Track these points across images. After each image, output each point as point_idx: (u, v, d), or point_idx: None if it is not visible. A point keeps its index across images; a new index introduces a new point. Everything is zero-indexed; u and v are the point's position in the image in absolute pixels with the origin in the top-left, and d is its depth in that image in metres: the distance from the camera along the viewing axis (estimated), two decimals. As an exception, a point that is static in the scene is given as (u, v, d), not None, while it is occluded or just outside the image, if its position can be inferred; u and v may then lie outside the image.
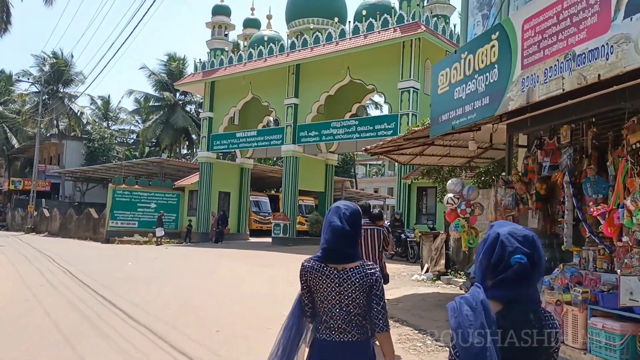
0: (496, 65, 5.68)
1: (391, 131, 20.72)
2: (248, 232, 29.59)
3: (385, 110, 40.30)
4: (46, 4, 27.03)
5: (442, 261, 12.97)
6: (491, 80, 5.76)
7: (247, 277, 13.37)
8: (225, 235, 26.23)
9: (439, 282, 12.42)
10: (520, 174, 6.96)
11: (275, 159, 43.12)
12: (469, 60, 6.25)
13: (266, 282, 12.42)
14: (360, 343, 2.44)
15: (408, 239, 17.20)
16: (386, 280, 6.07)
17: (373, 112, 39.07)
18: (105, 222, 26.47)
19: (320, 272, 2.43)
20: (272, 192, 38.74)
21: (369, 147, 10.10)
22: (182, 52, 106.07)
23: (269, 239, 28.34)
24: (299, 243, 24.02)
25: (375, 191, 60.63)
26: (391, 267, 15.14)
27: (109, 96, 53.97)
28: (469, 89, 6.23)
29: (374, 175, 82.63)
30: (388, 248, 5.98)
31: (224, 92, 27.20)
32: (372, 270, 2.44)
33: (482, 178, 13.97)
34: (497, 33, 5.70)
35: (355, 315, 2.42)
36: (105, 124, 51.08)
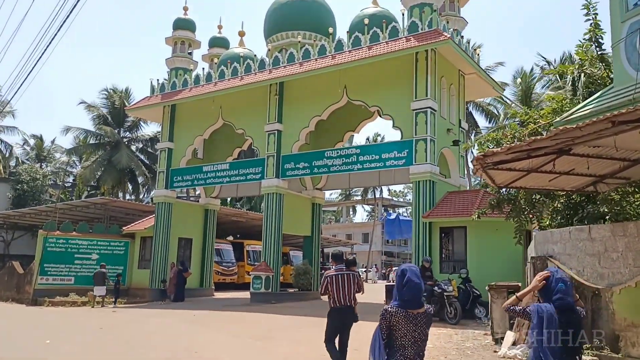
0: None
1: (403, 160, 17.04)
2: (213, 287, 24.62)
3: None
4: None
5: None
6: None
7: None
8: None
9: None
10: None
11: (241, 200, 38.34)
12: None
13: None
14: None
15: (445, 294, 13.23)
16: (355, 319, 7.12)
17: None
18: (33, 279, 20.84)
19: (401, 315, 3.58)
20: (234, 238, 33.96)
21: (489, 151, 6.17)
22: (127, 83, 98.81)
23: (238, 294, 23.85)
24: (283, 299, 19.45)
25: (334, 236, 57.38)
26: (439, 333, 11.07)
27: (41, 135, 47.99)
28: None
29: (329, 221, 78.80)
30: (361, 290, 7.20)
31: (188, 119, 22.79)
32: (431, 313, 3.79)
33: (571, 212, 10.21)
34: None
35: (422, 343, 3.66)
36: (37, 165, 44.91)
